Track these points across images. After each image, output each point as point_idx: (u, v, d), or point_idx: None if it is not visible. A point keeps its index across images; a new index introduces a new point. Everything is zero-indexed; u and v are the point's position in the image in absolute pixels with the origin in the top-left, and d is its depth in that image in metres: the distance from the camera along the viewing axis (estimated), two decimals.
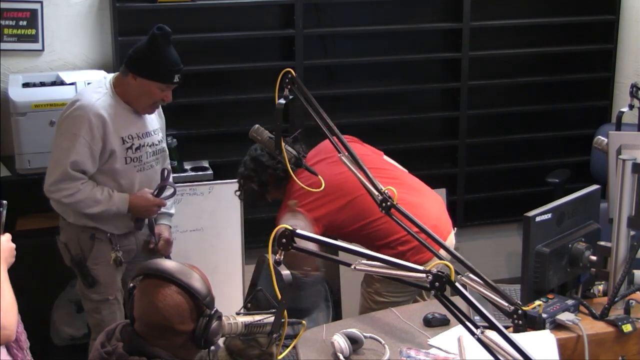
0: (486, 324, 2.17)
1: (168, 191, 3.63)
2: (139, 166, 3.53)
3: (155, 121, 3.63)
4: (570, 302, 2.90)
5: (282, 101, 3.00)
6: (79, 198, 3.41)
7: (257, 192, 3.67)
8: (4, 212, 2.43)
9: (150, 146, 3.56)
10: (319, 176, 3.07)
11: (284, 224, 2.89)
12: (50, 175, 3.43)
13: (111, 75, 3.54)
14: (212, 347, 2.27)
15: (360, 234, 3.51)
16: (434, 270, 2.16)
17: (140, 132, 3.51)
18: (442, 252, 2.88)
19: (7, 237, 2.48)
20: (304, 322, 2.45)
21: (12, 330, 2.35)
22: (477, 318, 2.27)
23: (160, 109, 3.67)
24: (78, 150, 3.36)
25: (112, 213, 3.49)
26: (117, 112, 3.43)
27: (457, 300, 2.21)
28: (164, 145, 3.69)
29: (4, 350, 2.56)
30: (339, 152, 2.97)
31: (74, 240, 3.54)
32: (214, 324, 2.19)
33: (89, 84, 4.00)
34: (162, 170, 3.64)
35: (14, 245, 2.49)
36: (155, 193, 3.58)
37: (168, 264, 2.22)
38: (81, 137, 3.35)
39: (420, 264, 3.17)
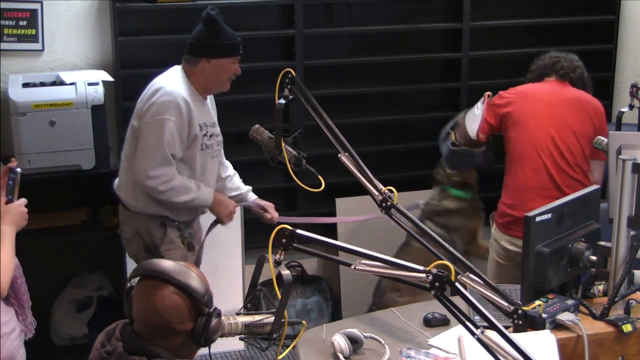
0: (486, 324, 2.17)
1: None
2: (211, 153, 3.60)
3: (215, 115, 3.69)
4: (570, 302, 2.90)
5: (282, 101, 3.00)
6: (173, 185, 3.45)
7: None
8: (18, 178, 2.54)
9: (217, 136, 3.64)
10: (319, 176, 3.08)
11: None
12: (148, 161, 3.41)
13: (179, 67, 3.58)
14: None
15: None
16: (434, 270, 2.17)
17: (209, 121, 3.59)
18: None
19: (21, 201, 2.54)
20: (304, 322, 2.45)
21: (3, 288, 2.42)
22: (477, 318, 2.27)
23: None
24: (172, 132, 3.41)
25: (197, 204, 3.56)
26: (193, 100, 3.50)
27: (457, 300, 2.22)
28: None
29: (10, 309, 2.59)
30: (339, 152, 2.97)
31: (143, 229, 3.56)
32: (214, 321, 2.19)
33: (90, 84, 4.00)
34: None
35: (25, 210, 2.54)
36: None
37: (165, 264, 2.22)
38: (171, 121, 3.41)
39: None
